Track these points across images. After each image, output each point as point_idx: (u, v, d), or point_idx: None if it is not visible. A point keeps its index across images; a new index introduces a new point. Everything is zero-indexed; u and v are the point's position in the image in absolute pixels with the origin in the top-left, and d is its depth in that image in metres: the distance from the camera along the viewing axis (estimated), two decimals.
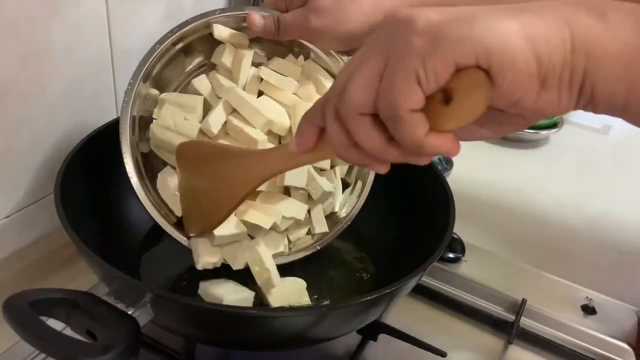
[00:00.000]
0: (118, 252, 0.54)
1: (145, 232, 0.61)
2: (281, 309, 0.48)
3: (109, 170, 0.57)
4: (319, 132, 0.38)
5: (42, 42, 0.55)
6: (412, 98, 0.30)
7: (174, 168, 0.55)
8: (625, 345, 0.60)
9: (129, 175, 0.51)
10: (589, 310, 0.64)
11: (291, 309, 0.47)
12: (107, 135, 0.57)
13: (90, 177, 0.55)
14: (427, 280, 0.66)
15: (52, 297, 0.39)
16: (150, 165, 0.56)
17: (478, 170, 0.92)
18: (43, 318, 0.38)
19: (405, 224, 0.62)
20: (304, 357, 0.56)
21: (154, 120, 0.55)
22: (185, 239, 0.52)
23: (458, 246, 0.69)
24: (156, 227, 0.53)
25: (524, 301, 0.62)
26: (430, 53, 0.29)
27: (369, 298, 0.43)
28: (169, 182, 0.54)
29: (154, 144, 0.55)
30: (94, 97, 0.63)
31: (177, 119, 0.53)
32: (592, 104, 0.31)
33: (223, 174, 0.49)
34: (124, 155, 0.51)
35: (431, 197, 0.59)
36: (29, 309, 0.37)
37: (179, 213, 0.54)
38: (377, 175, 0.64)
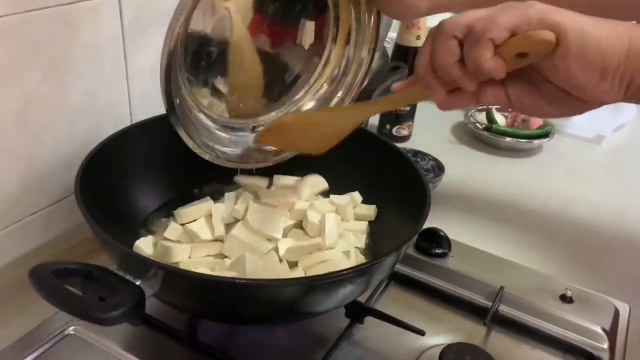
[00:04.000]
0: (128, 240, 0.61)
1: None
2: (276, 279, 0.54)
3: (123, 170, 0.64)
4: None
5: (62, 58, 0.63)
6: (501, 33, 0.44)
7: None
8: (599, 329, 0.65)
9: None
10: (566, 299, 0.69)
11: (285, 279, 0.54)
12: (122, 139, 0.65)
13: (105, 176, 0.63)
14: (415, 273, 0.71)
15: (70, 267, 0.45)
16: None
17: (470, 177, 0.98)
18: None
19: (387, 216, 0.69)
20: (297, 336, 0.62)
21: None
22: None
23: (445, 242, 0.75)
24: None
25: (501, 288, 0.67)
26: (533, 14, 0.43)
27: (346, 272, 0.49)
28: None
29: None
30: (110, 108, 0.72)
31: None
32: (636, 97, 0.45)
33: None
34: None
35: (410, 195, 0.64)
36: (52, 275, 0.43)
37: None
38: (368, 178, 0.71)
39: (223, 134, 0.64)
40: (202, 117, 0.62)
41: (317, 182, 0.73)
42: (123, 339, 0.59)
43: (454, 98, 0.50)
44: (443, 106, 0.50)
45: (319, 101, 0.71)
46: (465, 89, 0.48)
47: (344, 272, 0.49)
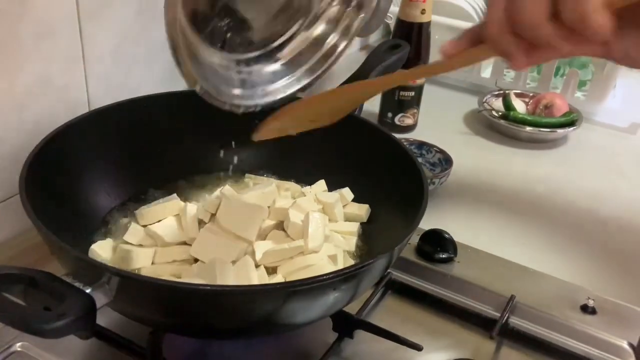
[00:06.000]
0: (83, 244, 0.62)
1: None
2: (245, 285, 0.55)
3: (77, 163, 0.65)
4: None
5: (10, 35, 0.64)
6: None
7: None
8: (625, 344, 0.65)
9: None
10: (588, 310, 0.69)
11: (255, 285, 0.54)
12: (78, 129, 0.66)
13: (57, 171, 0.63)
14: (415, 280, 0.72)
15: (10, 273, 0.46)
16: None
17: (484, 171, 0.98)
18: None
19: (381, 217, 0.69)
20: (277, 353, 0.62)
21: None
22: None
23: (450, 246, 0.75)
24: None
25: (512, 297, 0.68)
26: None
27: (327, 277, 0.49)
28: None
29: None
30: (65, 93, 0.72)
31: None
32: None
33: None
34: None
35: (408, 191, 0.65)
36: None
37: None
38: (360, 172, 0.72)
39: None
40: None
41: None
42: (76, 357, 0.59)
43: (533, 58, 0.45)
44: (519, 67, 0.46)
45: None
46: (557, 49, 0.43)
47: (325, 277, 0.49)
